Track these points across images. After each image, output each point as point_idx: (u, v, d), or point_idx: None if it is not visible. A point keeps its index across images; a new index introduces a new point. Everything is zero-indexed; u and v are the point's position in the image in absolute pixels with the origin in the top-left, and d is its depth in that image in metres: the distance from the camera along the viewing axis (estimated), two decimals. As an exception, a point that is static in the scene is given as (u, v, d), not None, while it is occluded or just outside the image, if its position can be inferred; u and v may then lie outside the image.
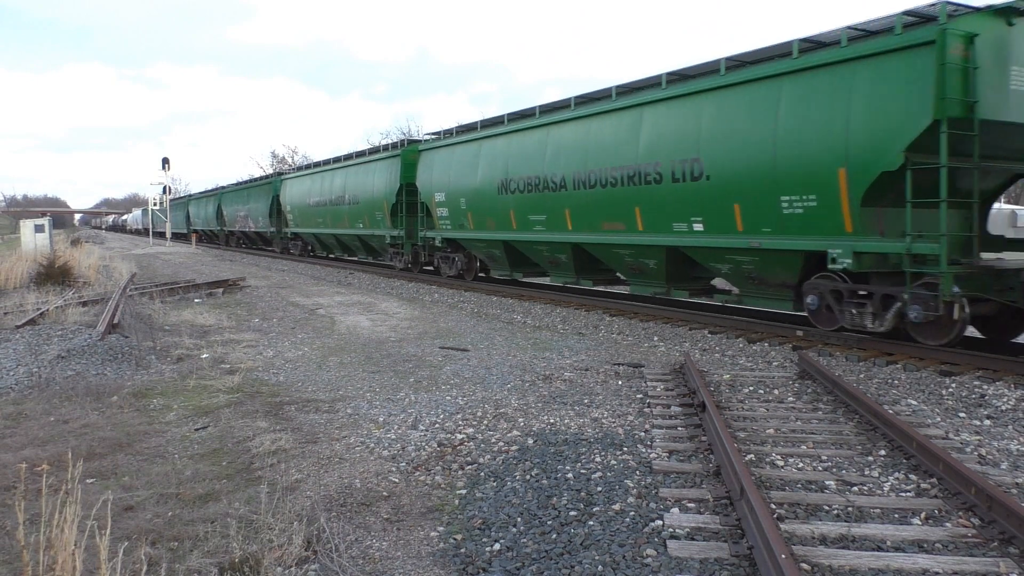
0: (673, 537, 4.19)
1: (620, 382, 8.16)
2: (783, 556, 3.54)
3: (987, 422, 6.58)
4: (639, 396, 7.50)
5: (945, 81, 8.08)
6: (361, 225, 23.99)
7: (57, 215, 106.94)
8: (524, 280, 19.12)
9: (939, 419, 6.67)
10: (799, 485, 5.00)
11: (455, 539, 4.34)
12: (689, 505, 4.65)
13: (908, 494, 4.82)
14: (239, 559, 3.98)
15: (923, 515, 4.46)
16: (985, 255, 8.91)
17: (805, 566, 3.78)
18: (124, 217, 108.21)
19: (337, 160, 27.13)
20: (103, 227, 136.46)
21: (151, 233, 58.16)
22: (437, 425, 6.57)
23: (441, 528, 4.51)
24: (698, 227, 11.34)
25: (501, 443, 6.02)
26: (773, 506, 4.59)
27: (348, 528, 4.50)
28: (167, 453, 6.08)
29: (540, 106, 15.33)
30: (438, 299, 16.96)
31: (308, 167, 30.98)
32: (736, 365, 9.20)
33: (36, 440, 6.34)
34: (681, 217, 11.57)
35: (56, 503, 3.40)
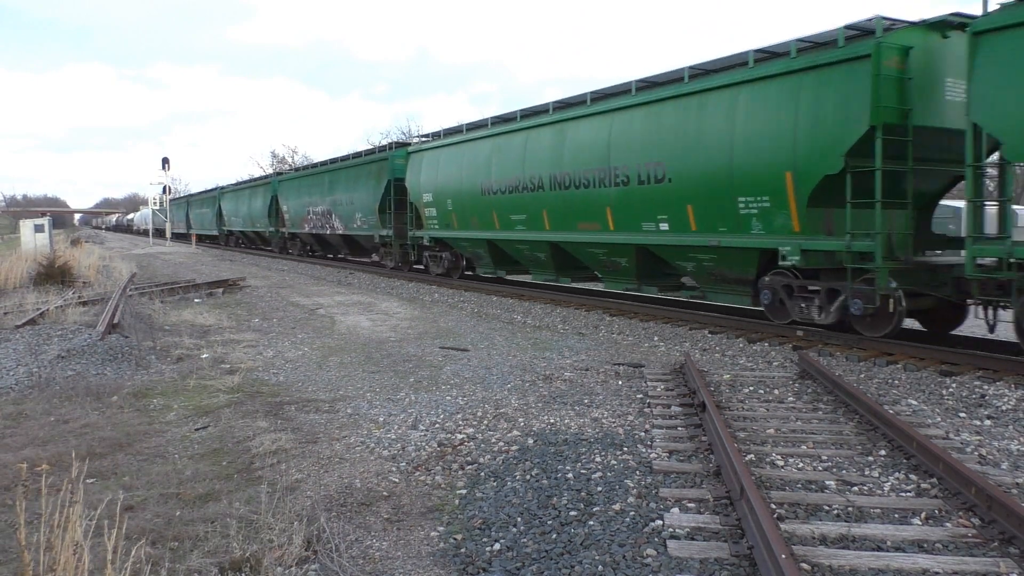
0: (673, 537, 4.18)
1: (620, 382, 8.16)
2: (783, 556, 3.54)
3: (987, 422, 6.58)
4: (639, 396, 7.50)
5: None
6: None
7: (57, 215, 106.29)
8: (521, 281, 19.58)
9: (939, 419, 6.67)
10: (799, 485, 5.00)
11: (455, 539, 4.34)
12: (689, 505, 4.65)
13: (908, 494, 4.82)
14: (239, 559, 3.98)
15: (923, 515, 4.46)
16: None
17: (805, 566, 3.77)
18: (130, 216, 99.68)
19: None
20: (103, 227, 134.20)
21: (151, 233, 58.06)
22: (437, 425, 6.57)
23: (441, 528, 4.51)
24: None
25: (501, 443, 6.02)
26: (773, 506, 4.59)
27: (348, 528, 4.50)
28: (167, 453, 6.08)
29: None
30: (438, 299, 16.96)
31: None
32: (736, 365, 9.20)
33: (36, 440, 6.34)
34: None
35: (57, 503, 3.39)
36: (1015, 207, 9.48)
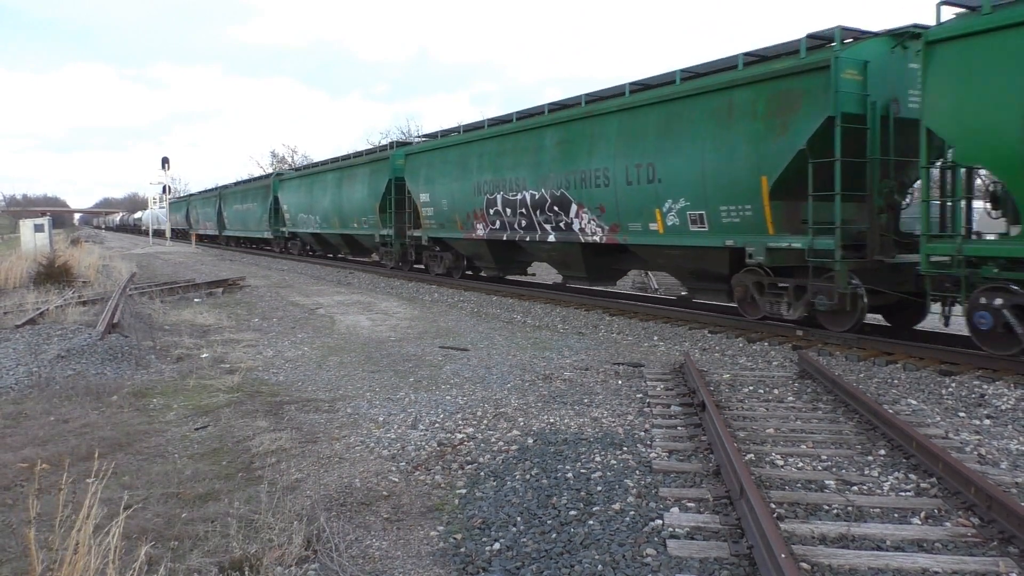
0: (673, 536, 4.19)
1: (620, 382, 8.16)
2: (783, 555, 3.54)
3: (987, 422, 6.58)
4: (639, 396, 7.50)
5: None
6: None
7: (57, 215, 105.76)
8: (521, 280, 19.86)
9: (939, 419, 6.67)
10: (799, 485, 5.00)
11: (455, 538, 4.35)
12: (689, 504, 4.65)
13: (908, 494, 4.82)
14: (239, 558, 3.98)
15: (923, 514, 4.46)
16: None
17: (805, 565, 3.78)
18: (137, 215, 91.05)
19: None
20: (103, 227, 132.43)
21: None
22: (437, 425, 6.58)
23: (441, 527, 4.51)
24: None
25: (501, 443, 6.02)
26: (773, 505, 4.60)
27: (348, 528, 4.50)
28: (167, 453, 6.08)
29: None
30: (438, 298, 16.96)
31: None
32: (736, 365, 9.20)
33: (36, 440, 6.34)
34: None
35: (57, 503, 3.40)
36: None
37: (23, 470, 5.47)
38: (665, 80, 12.45)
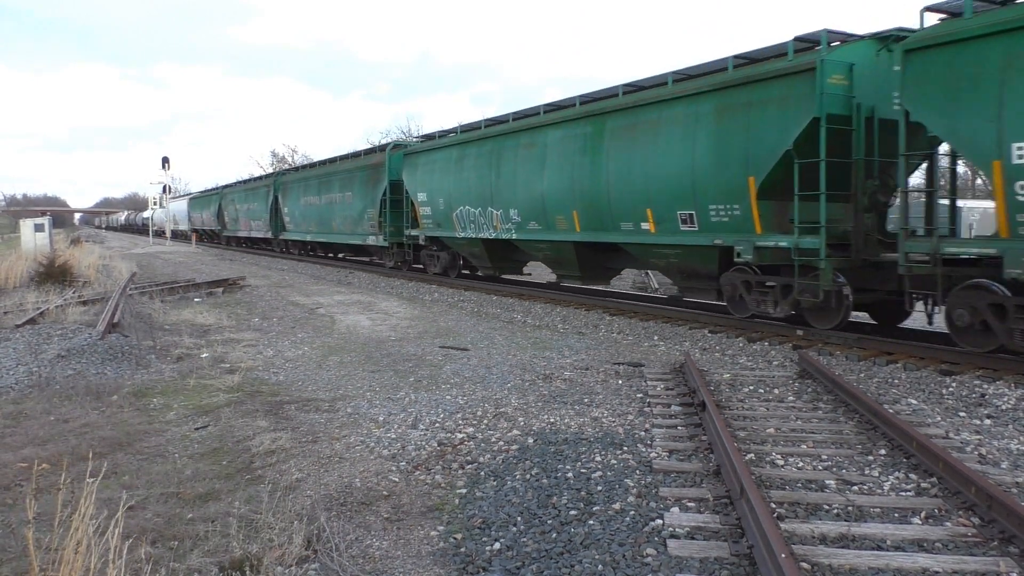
0: (673, 536, 4.19)
1: (620, 381, 8.16)
2: (783, 555, 3.54)
3: (987, 421, 6.58)
4: (639, 395, 7.50)
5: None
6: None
7: (57, 215, 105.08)
8: (521, 280, 19.97)
9: (939, 418, 6.67)
10: (799, 484, 5.00)
11: (455, 538, 4.34)
12: (689, 504, 4.65)
13: (908, 493, 4.82)
14: (239, 558, 3.98)
15: (923, 514, 4.46)
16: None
17: (805, 565, 3.78)
18: (146, 214, 76.58)
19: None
20: (103, 227, 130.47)
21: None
22: (437, 424, 6.58)
23: (441, 527, 4.51)
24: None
25: (501, 442, 6.02)
26: (773, 505, 4.59)
27: (348, 527, 4.50)
28: (167, 452, 6.08)
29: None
30: (438, 298, 16.96)
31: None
32: (736, 364, 9.20)
33: (36, 439, 6.34)
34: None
35: (57, 502, 3.40)
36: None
37: (23, 470, 5.47)
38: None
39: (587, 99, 14.25)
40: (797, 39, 10.32)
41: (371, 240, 23.30)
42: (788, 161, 9.76)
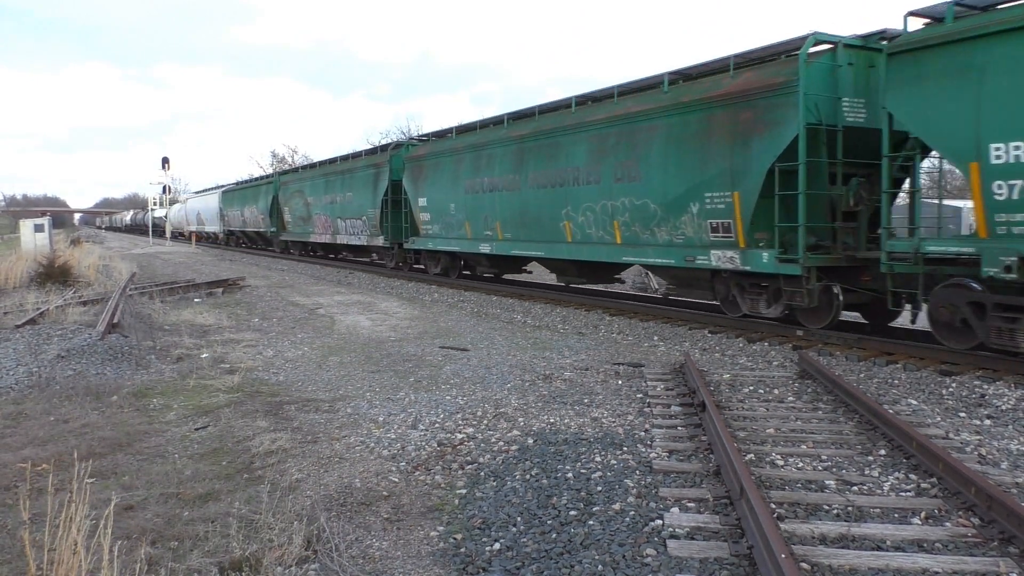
0: (673, 537, 4.18)
1: (620, 382, 8.16)
2: (783, 556, 3.54)
3: (987, 422, 6.58)
4: (639, 396, 7.50)
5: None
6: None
7: (57, 215, 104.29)
8: (521, 280, 19.99)
9: (939, 419, 6.67)
10: (799, 485, 5.00)
11: (455, 539, 4.34)
12: (689, 505, 4.65)
13: (908, 494, 4.82)
14: (239, 558, 3.98)
15: (923, 515, 4.46)
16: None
17: (805, 566, 3.78)
18: (159, 213, 65.20)
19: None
20: (103, 227, 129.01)
21: (151, 233, 55.93)
22: (437, 425, 6.58)
23: (441, 528, 4.51)
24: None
25: (501, 443, 6.02)
26: (773, 505, 4.59)
27: (348, 528, 4.50)
28: (167, 453, 6.08)
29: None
30: (438, 299, 16.96)
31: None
32: (736, 365, 9.20)
33: (36, 440, 6.34)
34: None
35: (56, 503, 3.40)
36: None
37: (23, 470, 5.47)
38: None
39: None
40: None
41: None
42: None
